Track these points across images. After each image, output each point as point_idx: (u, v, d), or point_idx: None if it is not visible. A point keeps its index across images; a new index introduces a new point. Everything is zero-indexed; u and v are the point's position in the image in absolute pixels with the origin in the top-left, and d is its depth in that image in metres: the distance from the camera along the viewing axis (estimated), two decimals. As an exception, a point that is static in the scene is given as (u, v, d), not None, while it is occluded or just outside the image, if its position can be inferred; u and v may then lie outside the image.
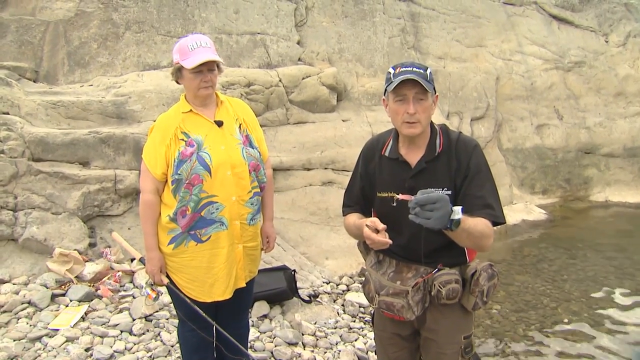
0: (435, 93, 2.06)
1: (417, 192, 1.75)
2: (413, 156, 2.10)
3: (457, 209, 1.78)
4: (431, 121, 2.11)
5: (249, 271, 2.76)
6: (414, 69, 1.96)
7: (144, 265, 2.68)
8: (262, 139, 2.79)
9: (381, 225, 1.93)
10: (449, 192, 2.02)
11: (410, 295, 2.04)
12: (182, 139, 2.50)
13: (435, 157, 2.07)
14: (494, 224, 1.99)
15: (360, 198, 2.28)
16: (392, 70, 2.02)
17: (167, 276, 2.64)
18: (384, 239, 1.92)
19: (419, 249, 2.06)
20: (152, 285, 2.73)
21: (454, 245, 2.01)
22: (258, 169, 2.66)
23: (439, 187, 2.01)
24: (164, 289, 2.80)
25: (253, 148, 2.66)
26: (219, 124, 2.58)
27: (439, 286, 2.03)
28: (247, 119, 2.73)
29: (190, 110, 2.57)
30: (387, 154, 2.17)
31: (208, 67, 2.49)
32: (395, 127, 2.11)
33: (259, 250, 2.82)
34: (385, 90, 2.05)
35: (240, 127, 2.66)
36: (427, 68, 2.02)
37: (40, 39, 5.98)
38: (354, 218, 2.23)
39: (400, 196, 1.81)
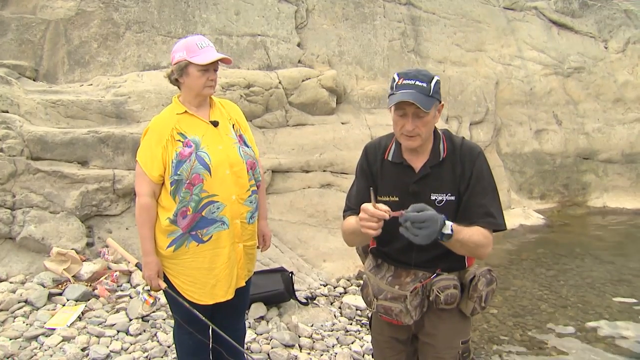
0: (440, 102, 2.01)
1: (418, 199, 1.76)
2: (417, 161, 2.08)
3: (449, 224, 1.81)
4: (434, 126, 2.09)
5: (248, 270, 2.77)
6: (417, 83, 1.90)
7: (141, 270, 2.67)
8: (253, 139, 2.80)
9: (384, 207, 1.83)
10: (452, 198, 2.02)
11: (409, 299, 2.03)
12: (179, 140, 2.50)
13: (440, 163, 2.06)
14: (495, 230, 2.00)
15: (366, 199, 2.18)
16: (396, 78, 1.96)
17: (166, 279, 2.63)
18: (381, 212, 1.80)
19: (417, 254, 2.06)
20: (149, 290, 2.71)
21: (452, 251, 2.01)
22: (254, 167, 2.69)
23: (443, 192, 2.00)
24: (161, 294, 2.79)
25: (248, 147, 2.68)
26: (215, 124, 2.59)
27: (438, 291, 2.02)
28: (239, 120, 2.76)
29: (185, 111, 2.57)
30: (390, 158, 2.13)
31: (214, 67, 2.53)
32: (396, 136, 2.09)
33: (255, 249, 2.83)
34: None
35: (233, 127, 2.69)
36: (433, 79, 1.94)
37: (40, 37, 5.98)
38: (355, 219, 2.07)
39: (392, 213, 1.80)
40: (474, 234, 1.90)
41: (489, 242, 1.96)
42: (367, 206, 1.83)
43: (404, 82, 1.93)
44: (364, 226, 1.83)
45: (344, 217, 2.21)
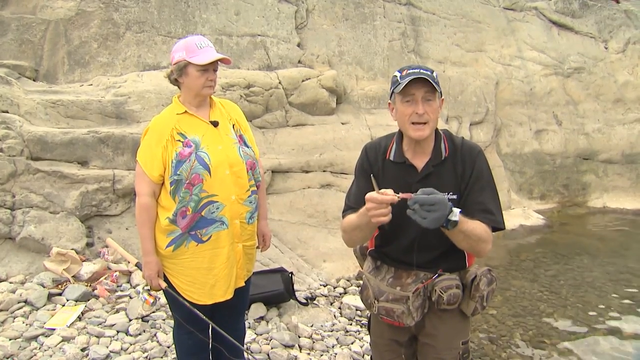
0: (442, 96, 2.04)
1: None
2: (419, 160, 2.08)
3: (456, 210, 1.80)
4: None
5: (247, 270, 2.77)
6: (422, 71, 1.95)
7: (140, 270, 2.67)
8: (253, 139, 2.81)
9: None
10: (455, 197, 2.02)
11: (411, 300, 2.03)
12: (179, 140, 2.51)
13: (442, 162, 2.06)
14: (493, 229, 2.00)
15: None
16: (398, 73, 2.00)
17: (165, 279, 2.63)
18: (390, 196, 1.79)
19: (419, 254, 2.06)
20: (149, 290, 2.71)
21: (454, 250, 2.01)
22: (254, 168, 2.69)
23: (445, 191, 2.00)
24: (161, 294, 2.79)
25: (248, 147, 2.69)
26: (215, 124, 2.59)
27: (440, 291, 2.02)
28: (240, 120, 2.76)
29: (185, 111, 2.57)
30: (391, 158, 2.13)
31: (213, 67, 2.54)
32: (402, 130, 2.08)
33: (255, 249, 2.84)
34: (392, 93, 2.03)
35: (233, 127, 2.69)
36: (434, 71, 2.00)
37: (40, 37, 5.97)
38: (356, 214, 2.01)
39: (401, 194, 1.78)
40: (477, 227, 1.91)
41: (489, 237, 1.96)
42: (372, 195, 1.81)
43: (409, 71, 1.96)
44: (373, 215, 1.81)
45: (344, 216, 2.18)
